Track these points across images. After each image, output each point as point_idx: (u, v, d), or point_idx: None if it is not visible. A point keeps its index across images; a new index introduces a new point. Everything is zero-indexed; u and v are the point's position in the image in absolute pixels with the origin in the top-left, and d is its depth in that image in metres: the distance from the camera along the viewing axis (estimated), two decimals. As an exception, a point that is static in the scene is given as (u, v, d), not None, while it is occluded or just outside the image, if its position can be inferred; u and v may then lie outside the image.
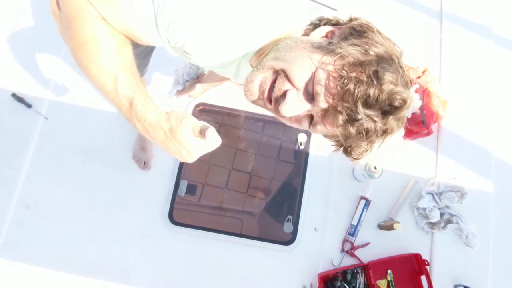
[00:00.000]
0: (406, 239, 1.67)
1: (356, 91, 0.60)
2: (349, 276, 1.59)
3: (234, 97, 1.81)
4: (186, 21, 0.66)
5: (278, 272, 1.64)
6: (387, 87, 0.61)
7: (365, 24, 0.67)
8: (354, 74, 0.61)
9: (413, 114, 1.76)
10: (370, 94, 0.61)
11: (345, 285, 1.57)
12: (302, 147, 1.76)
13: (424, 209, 1.67)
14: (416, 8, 1.98)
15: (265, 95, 0.69)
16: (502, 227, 1.71)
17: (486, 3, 2.02)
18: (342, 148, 0.69)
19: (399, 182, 1.74)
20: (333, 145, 0.70)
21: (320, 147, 1.77)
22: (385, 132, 0.65)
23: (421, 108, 1.75)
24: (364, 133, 0.63)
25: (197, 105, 1.79)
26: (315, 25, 0.73)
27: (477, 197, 1.72)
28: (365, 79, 0.61)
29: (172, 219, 1.65)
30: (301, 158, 1.74)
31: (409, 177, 1.75)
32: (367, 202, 1.70)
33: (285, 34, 0.72)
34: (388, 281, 1.62)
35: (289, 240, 1.66)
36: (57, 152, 1.73)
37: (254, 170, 1.76)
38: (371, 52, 0.63)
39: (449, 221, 1.68)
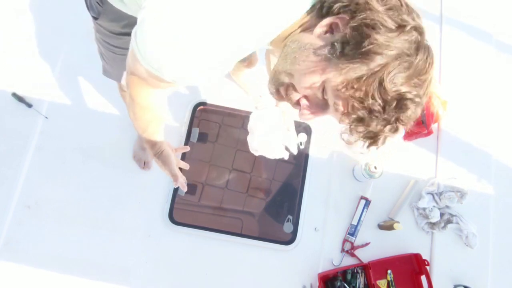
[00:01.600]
0: (406, 239, 1.67)
1: (361, 112, 0.62)
2: (349, 276, 1.59)
3: (234, 97, 1.81)
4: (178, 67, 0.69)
5: (278, 272, 1.64)
6: (392, 97, 0.60)
7: (369, 22, 0.61)
8: (356, 94, 0.61)
9: (413, 114, 1.76)
10: (375, 110, 0.61)
11: (345, 285, 1.57)
12: (302, 147, 1.76)
13: (424, 209, 1.68)
14: (415, 6, 1.98)
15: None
16: (502, 227, 1.72)
17: (486, 4, 2.02)
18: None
19: (399, 182, 1.75)
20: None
21: (320, 147, 1.77)
22: (397, 130, 0.65)
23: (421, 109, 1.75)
24: (377, 140, 0.66)
25: (197, 105, 1.79)
26: (317, 10, 0.68)
27: (477, 197, 1.72)
28: (370, 100, 0.61)
29: (172, 219, 1.65)
30: (301, 158, 1.74)
31: (409, 177, 1.75)
32: (367, 202, 1.70)
33: (291, 27, 0.70)
34: (388, 281, 1.62)
35: (289, 240, 1.66)
36: (57, 152, 1.72)
37: (254, 170, 1.76)
38: (372, 65, 0.60)
39: (449, 221, 1.68)
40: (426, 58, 0.63)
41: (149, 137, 1.00)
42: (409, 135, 1.78)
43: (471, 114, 1.84)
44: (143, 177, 1.70)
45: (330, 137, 1.78)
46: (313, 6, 0.68)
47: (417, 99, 0.62)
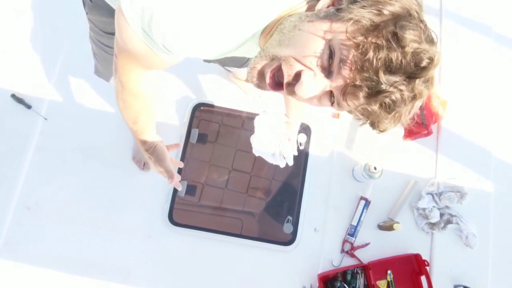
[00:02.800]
0: (406, 240, 1.67)
1: (376, 58, 0.55)
2: (349, 277, 1.59)
3: (234, 97, 1.81)
4: (174, 29, 0.65)
5: (278, 273, 1.64)
6: (410, 47, 0.55)
7: None
8: (370, 40, 0.56)
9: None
10: (392, 59, 0.55)
11: (345, 285, 1.57)
12: (302, 147, 1.75)
13: (424, 209, 1.67)
14: None
15: (268, 80, 0.66)
16: (502, 227, 1.71)
17: (486, 5, 2.01)
18: (368, 122, 0.63)
19: (399, 182, 1.74)
20: (357, 119, 0.64)
21: (320, 147, 1.77)
22: (414, 98, 0.59)
23: (421, 108, 1.75)
24: (391, 105, 0.58)
25: (197, 105, 1.79)
26: None
27: (477, 197, 1.72)
28: (384, 43, 0.55)
29: (172, 219, 1.65)
30: (301, 158, 1.74)
31: (409, 177, 1.75)
32: (367, 203, 1.70)
33: (288, 10, 0.68)
34: (388, 282, 1.62)
35: (289, 240, 1.66)
36: (57, 152, 1.73)
37: (254, 170, 1.76)
38: (385, 12, 0.56)
39: (449, 222, 1.68)
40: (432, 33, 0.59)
41: (141, 130, 0.96)
42: (409, 135, 1.78)
43: (471, 114, 1.84)
44: (143, 177, 1.70)
45: (330, 137, 1.78)
46: None
47: (432, 62, 0.56)
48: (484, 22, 1.98)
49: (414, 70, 0.56)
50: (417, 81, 0.57)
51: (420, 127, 1.74)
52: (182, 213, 1.68)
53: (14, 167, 1.70)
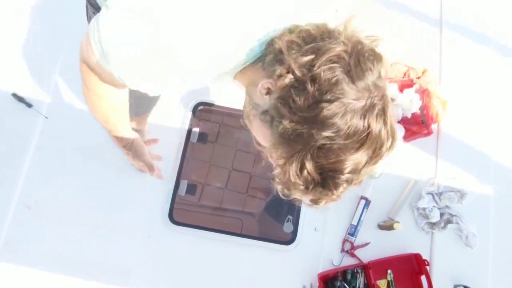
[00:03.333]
0: (406, 239, 1.67)
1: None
2: (349, 276, 1.59)
3: (234, 97, 1.80)
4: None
5: (278, 272, 1.64)
6: (315, 180, 0.61)
7: (284, 95, 0.56)
8: (281, 170, 0.62)
9: (413, 114, 1.76)
10: (299, 188, 0.62)
11: (345, 285, 1.57)
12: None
13: (424, 209, 1.68)
14: (416, 7, 1.98)
15: None
16: (502, 227, 1.71)
17: (486, 6, 2.02)
18: None
19: (399, 182, 1.74)
20: None
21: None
22: (332, 198, 0.65)
23: (421, 108, 1.76)
24: (343, 191, 0.65)
25: (197, 105, 1.79)
26: (265, 57, 0.64)
27: (477, 197, 1.72)
28: (292, 180, 0.62)
29: (172, 219, 1.65)
30: (301, 158, 1.74)
31: (409, 177, 1.75)
32: (367, 202, 1.70)
33: (245, 73, 0.69)
34: (388, 281, 1.62)
35: (289, 240, 1.66)
36: (57, 152, 1.72)
37: (254, 170, 1.76)
38: (293, 147, 0.58)
39: (449, 221, 1.68)
40: (356, 128, 0.56)
41: (114, 128, 0.94)
42: (409, 135, 1.78)
43: (471, 114, 1.84)
44: (143, 177, 1.70)
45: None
46: (259, 57, 0.66)
47: (343, 181, 0.61)
48: (484, 23, 1.98)
49: (323, 195, 0.64)
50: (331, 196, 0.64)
51: (420, 127, 1.74)
52: (182, 212, 1.68)
53: (14, 167, 1.70)
